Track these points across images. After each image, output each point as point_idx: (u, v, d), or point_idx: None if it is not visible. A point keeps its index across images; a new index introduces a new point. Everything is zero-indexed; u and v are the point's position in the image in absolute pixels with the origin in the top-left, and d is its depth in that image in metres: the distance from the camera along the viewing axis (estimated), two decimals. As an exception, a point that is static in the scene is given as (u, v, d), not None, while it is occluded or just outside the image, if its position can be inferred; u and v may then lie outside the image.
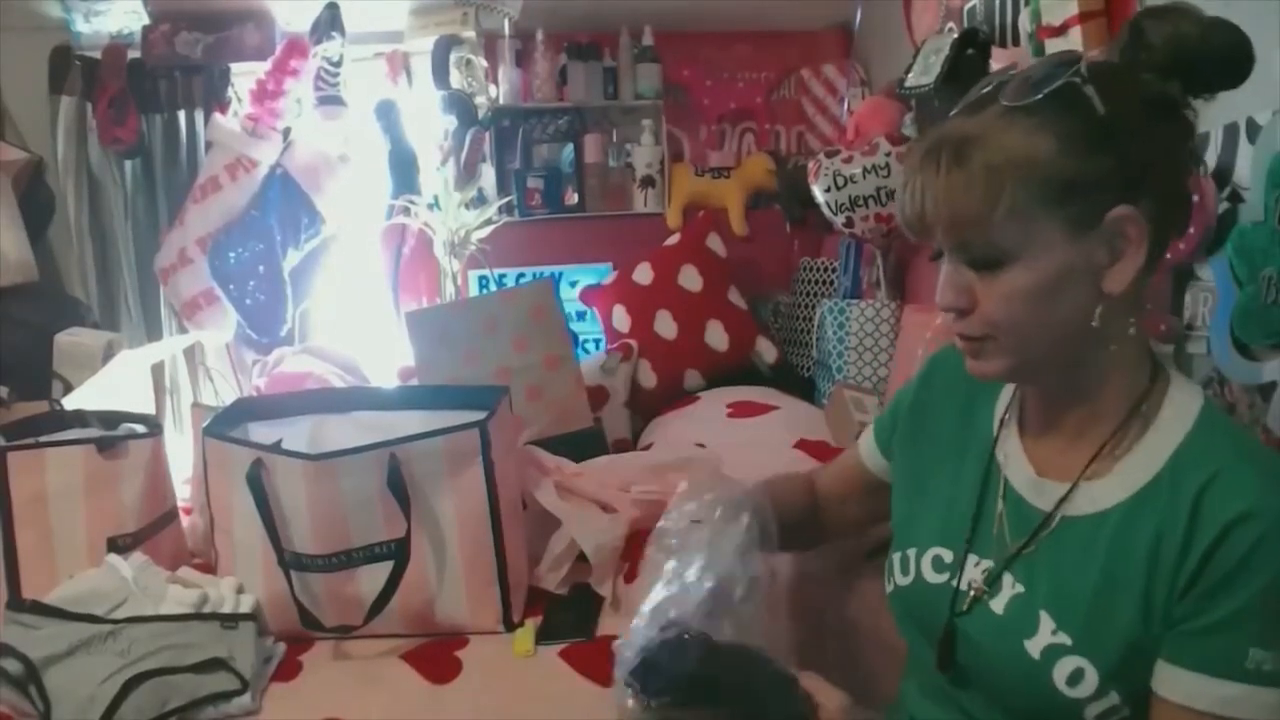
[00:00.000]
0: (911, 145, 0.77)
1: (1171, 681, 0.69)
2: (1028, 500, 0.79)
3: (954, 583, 0.80)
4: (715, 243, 2.39)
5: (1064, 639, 0.72)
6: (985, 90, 0.74)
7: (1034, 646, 0.73)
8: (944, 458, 0.88)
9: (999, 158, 0.69)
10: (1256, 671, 0.66)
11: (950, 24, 1.89)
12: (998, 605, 0.77)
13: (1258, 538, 0.66)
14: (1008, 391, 0.87)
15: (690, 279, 2.31)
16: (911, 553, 0.86)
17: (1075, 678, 0.71)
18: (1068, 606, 0.73)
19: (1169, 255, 1.21)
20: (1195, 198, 1.17)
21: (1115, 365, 0.75)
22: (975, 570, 0.80)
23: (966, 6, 1.81)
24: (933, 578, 0.83)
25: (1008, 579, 0.77)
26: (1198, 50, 0.71)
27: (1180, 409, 0.74)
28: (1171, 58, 0.71)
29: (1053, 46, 1.42)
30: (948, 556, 0.83)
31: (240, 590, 1.23)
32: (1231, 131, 1.14)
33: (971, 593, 0.79)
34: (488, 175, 2.51)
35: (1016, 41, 1.61)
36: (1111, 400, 0.76)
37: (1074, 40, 1.37)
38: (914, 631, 0.87)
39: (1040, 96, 0.70)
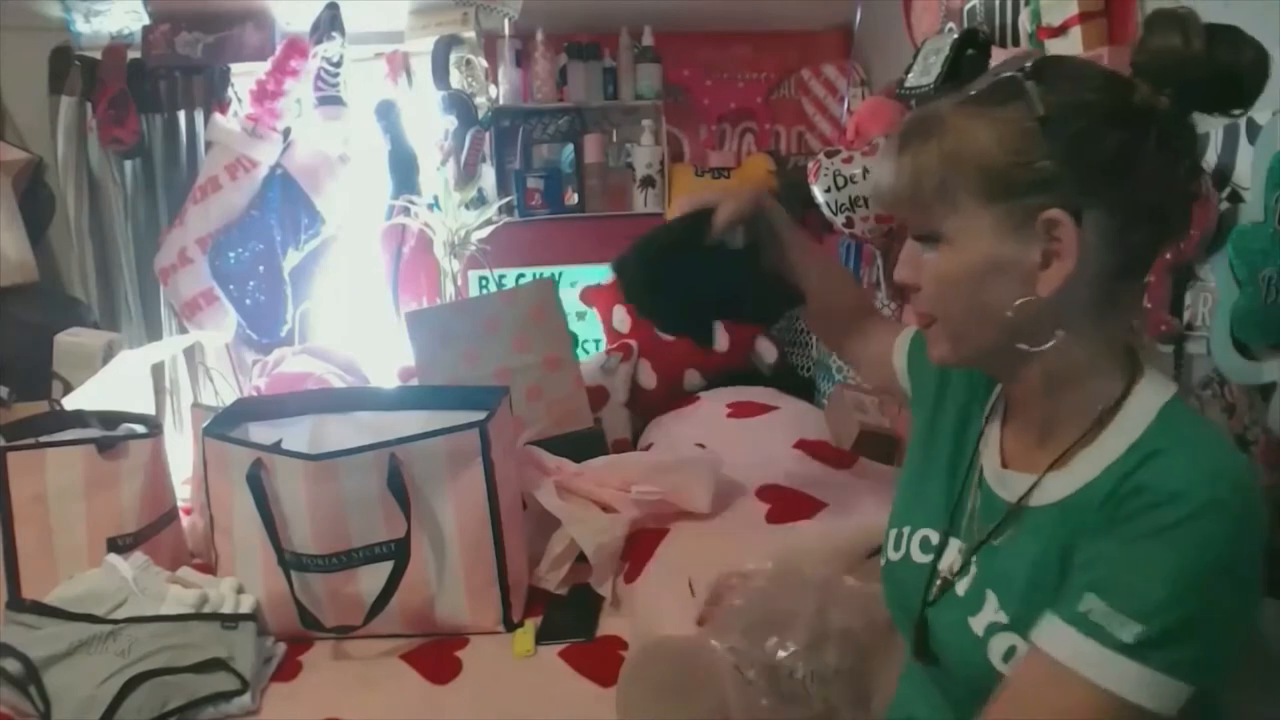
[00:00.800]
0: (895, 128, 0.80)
1: (1045, 625, 0.68)
2: (994, 491, 0.80)
3: (936, 564, 0.82)
4: (715, 243, 2.39)
5: (1002, 617, 0.73)
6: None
7: (978, 624, 0.74)
8: (945, 442, 0.89)
9: (945, 144, 0.72)
10: (1083, 618, 0.64)
11: (950, 24, 1.89)
12: (960, 588, 0.78)
13: (1175, 519, 0.63)
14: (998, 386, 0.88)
15: (690, 279, 2.31)
16: (906, 530, 0.87)
17: (1009, 654, 0.71)
18: (1008, 586, 0.74)
19: (1168, 256, 1.22)
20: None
21: (1070, 373, 0.75)
22: (954, 554, 0.81)
23: (966, 6, 1.81)
24: (919, 558, 0.84)
25: (972, 564, 0.78)
26: (1189, 66, 0.69)
27: (1143, 405, 0.73)
28: (1159, 70, 0.70)
29: (1053, 46, 1.42)
30: (934, 538, 0.84)
31: (240, 590, 1.23)
32: (1231, 131, 1.14)
33: (940, 580, 0.80)
34: (488, 175, 2.51)
35: (1017, 42, 1.61)
36: (1073, 407, 0.75)
37: (1074, 40, 1.37)
38: (896, 612, 0.89)
39: (986, 88, 0.73)
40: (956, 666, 0.78)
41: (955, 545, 0.82)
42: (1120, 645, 0.63)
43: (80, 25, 2.29)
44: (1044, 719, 0.65)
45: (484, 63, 2.40)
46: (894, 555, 0.88)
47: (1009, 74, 0.72)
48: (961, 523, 0.82)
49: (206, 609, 1.17)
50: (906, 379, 1.02)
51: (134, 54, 2.33)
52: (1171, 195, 0.73)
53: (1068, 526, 0.71)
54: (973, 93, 0.74)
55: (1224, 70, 0.69)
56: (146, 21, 2.32)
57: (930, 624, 0.80)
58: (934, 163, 0.73)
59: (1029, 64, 0.72)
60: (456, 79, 2.35)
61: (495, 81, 2.45)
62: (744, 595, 1.04)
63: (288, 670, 1.18)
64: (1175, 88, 0.69)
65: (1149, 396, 0.74)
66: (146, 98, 2.35)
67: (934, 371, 0.94)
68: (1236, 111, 0.72)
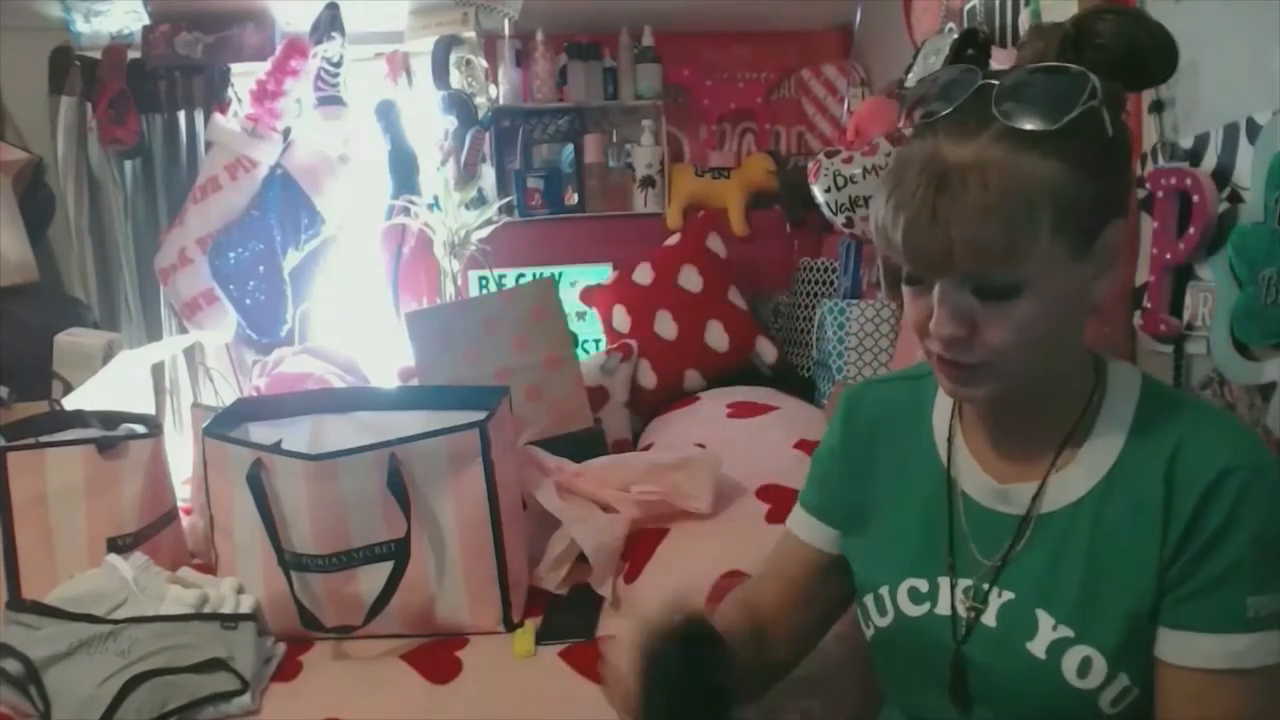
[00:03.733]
0: (900, 166, 0.70)
1: (1177, 646, 0.70)
2: (994, 509, 0.78)
3: (937, 610, 0.79)
4: (715, 243, 2.39)
5: (1066, 632, 0.72)
6: (972, 101, 0.69)
7: (1037, 647, 0.73)
8: (887, 490, 0.86)
9: (1019, 184, 0.65)
10: (1257, 619, 0.67)
11: (950, 24, 1.89)
12: (989, 619, 0.76)
13: (1239, 491, 0.68)
14: (942, 411, 0.85)
15: (690, 279, 2.31)
16: (884, 591, 0.83)
17: (1084, 668, 0.71)
18: (1062, 600, 0.73)
19: (1168, 256, 1.22)
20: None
21: (1062, 369, 0.76)
22: (956, 592, 0.79)
23: (966, 6, 1.81)
24: (913, 610, 0.81)
25: (994, 591, 0.76)
26: (1146, 48, 0.71)
27: (1123, 386, 0.76)
28: (1125, 57, 0.70)
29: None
30: (923, 586, 0.81)
31: (240, 590, 1.23)
32: (1231, 131, 1.14)
33: (965, 616, 0.78)
34: (488, 175, 2.51)
35: (1016, 42, 1.61)
36: (1061, 402, 0.77)
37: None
38: (905, 668, 0.84)
39: (1060, 120, 0.66)
40: (1018, 697, 0.75)
41: (951, 583, 0.79)
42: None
43: (80, 25, 2.29)
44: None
45: (484, 63, 2.40)
46: (882, 621, 0.83)
47: (1087, 107, 0.66)
48: (957, 557, 0.80)
49: (206, 609, 1.17)
50: (827, 528, 0.91)
51: (134, 54, 2.33)
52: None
53: (1112, 535, 0.72)
54: (1028, 129, 0.66)
55: (1166, 44, 0.71)
56: (146, 21, 2.32)
57: (971, 665, 0.77)
58: (1023, 204, 0.65)
59: (1098, 87, 0.67)
60: (456, 79, 2.35)
61: (495, 81, 2.45)
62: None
63: (288, 670, 1.18)
64: (1129, 72, 0.71)
65: (1124, 378, 0.77)
66: (146, 98, 2.35)
67: (834, 467, 0.90)
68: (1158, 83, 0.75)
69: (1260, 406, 1.10)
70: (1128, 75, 0.71)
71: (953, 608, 0.78)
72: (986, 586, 0.77)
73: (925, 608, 0.80)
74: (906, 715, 0.87)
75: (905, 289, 0.74)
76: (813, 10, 2.56)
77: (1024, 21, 1.53)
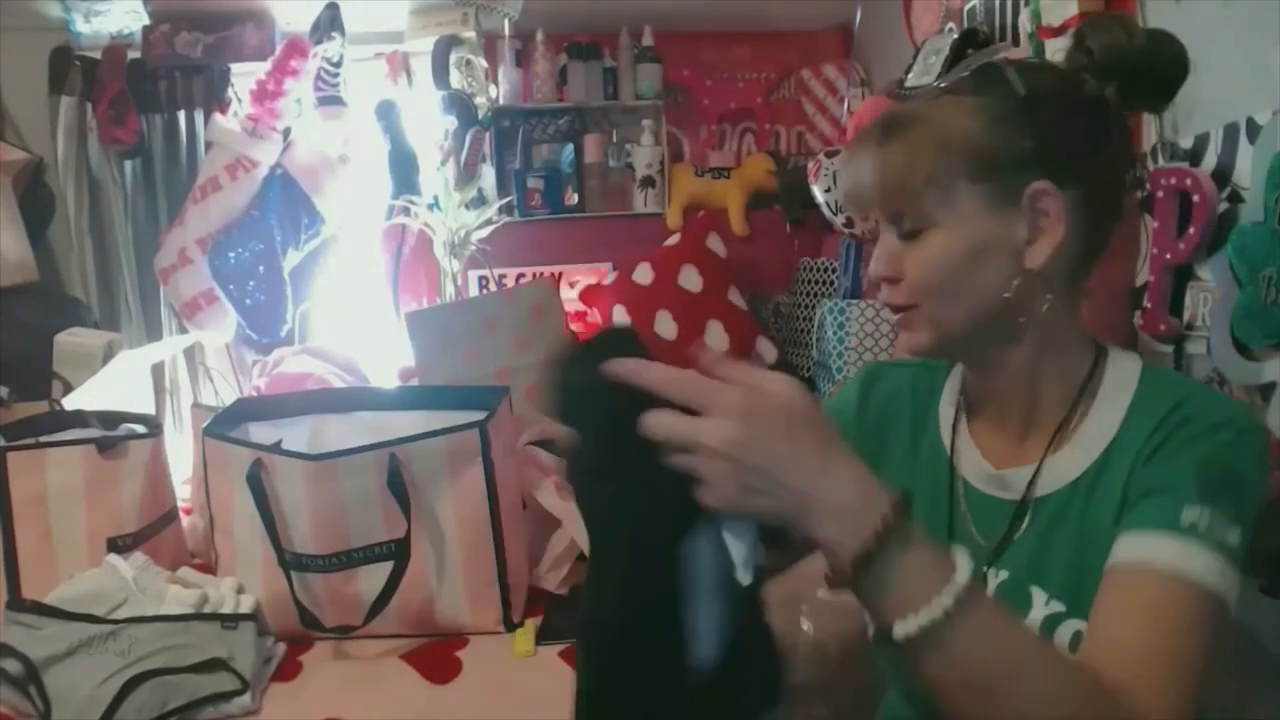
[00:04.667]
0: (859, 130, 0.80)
1: (1119, 547, 0.69)
2: (991, 495, 0.80)
3: None
4: (715, 243, 2.39)
5: (1058, 606, 0.73)
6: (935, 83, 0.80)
7: (1031, 623, 0.74)
8: (895, 474, 0.87)
9: (929, 133, 0.74)
10: (1193, 529, 0.67)
11: (950, 24, 1.89)
12: None
13: (1212, 428, 0.70)
14: (949, 398, 0.87)
15: (690, 279, 2.31)
16: None
17: (1075, 642, 0.71)
18: (1054, 576, 0.74)
19: (1168, 256, 1.22)
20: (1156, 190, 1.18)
21: (1050, 349, 0.78)
22: None
23: (966, 6, 1.81)
24: None
25: (990, 574, 0.78)
26: (1132, 57, 0.77)
27: (1122, 373, 0.77)
28: (1107, 62, 0.76)
29: (1053, 47, 1.42)
30: None
31: (240, 590, 1.22)
32: (1231, 131, 1.14)
33: None
34: (488, 175, 2.51)
35: (1017, 42, 1.61)
36: (1054, 384, 0.78)
37: (1074, 40, 1.37)
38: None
39: (966, 75, 0.77)
40: None
41: None
42: (1225, 548, 0.67)
43: (80, 25, 2.29)
44: (1167, 628, 0.65)
45: (484, 63, 2.40)
46: None
47: (984, 63, 0.77)
48: (958, 541, 0.81)
49: (207, 609, 1.17)
50: None
51: (134, 54, 2.33)
52: (1120, 180, 0.79)
53: (1091, 500, 0.73)
54: (945, 84, 0.78)
55: (1161, 63, 0.79)
56: (146, 21, 2.32)
57: None
58: (922, 151, 0.74)
59: (1005, 54, 0.75)
60: (456, 79, 2.35)
61: (495, 81, 2.45)
62: None
63: (288, 670, 1.18)
64: (1119, 80, 0.77)
65: (1124, 364, 0.78)
66: (146, 98, 2.35)
67: (851, 437, 0.89)
68: (1162, 105, 0.82)
69: (1260, 406, 1.10)
70: (1117, 80, 0.77)
71: None
72: (985, 569, 0.78)
73: None
74: (907, 699, 0.87)
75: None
76: (813, 10, 2.56)
77: (1024, 21, 1.53)
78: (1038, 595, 0.74)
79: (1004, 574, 0.77)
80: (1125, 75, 0.77)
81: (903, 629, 0.57)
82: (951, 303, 0.75)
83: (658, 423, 0.58)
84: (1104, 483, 0.73)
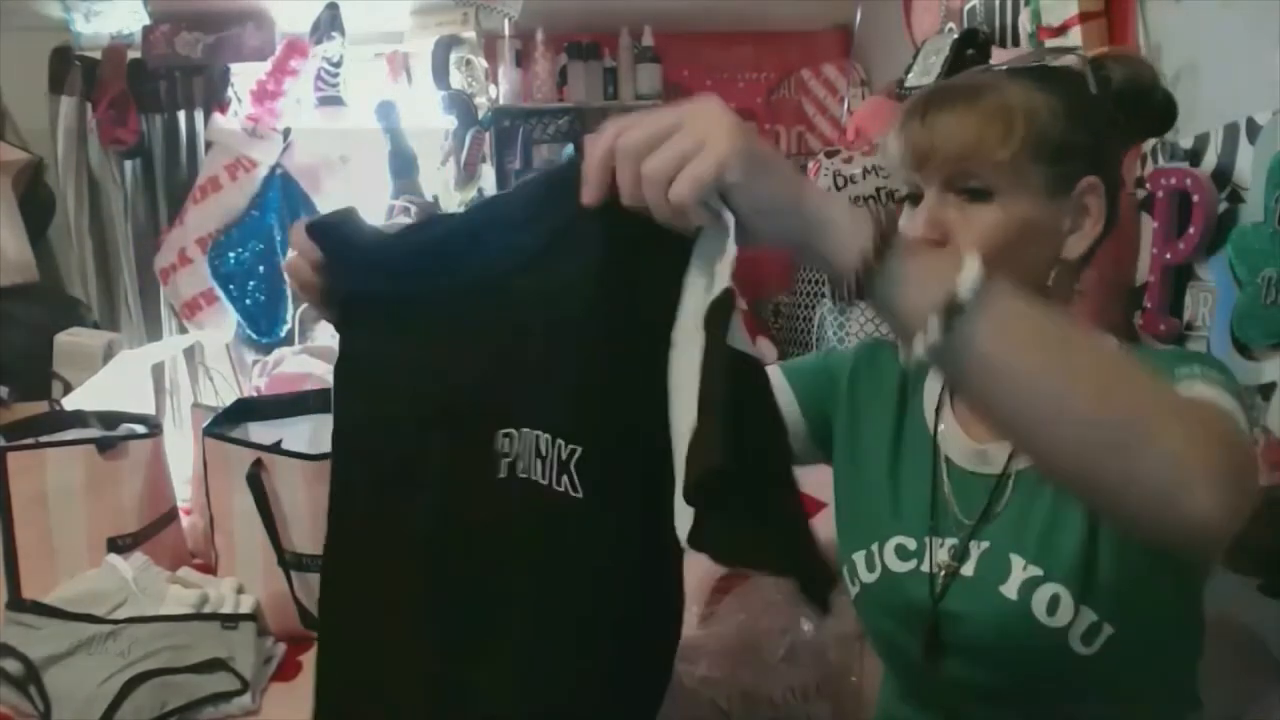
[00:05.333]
0: (913, 97, 0.82)
1: None
2: (972, 470, 0.81)
3: (922, 567, 0.81)
4: (715, 243, 2.39)
5: (1035, 571, 0.74)
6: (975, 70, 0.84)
7: (1010, 588, 0.74)
8: (880, 448, 0.88)
9: (1011, 101, 0.76)
10: (1188, 376, 0.71)
11: (950, 24, 1.89)
12: (968, 569, 0.78)
13: (1198, 360, 0.75)
14: (934, 381, 0.88)
15: (690, 279, 2.31)
16: (874, 547, 0.84)
17: (1053, 605, 0.72)
18: (1030, 541, 0.75)
19: (1168, 256, 1.22)
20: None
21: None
22: (941, 551, 0.80)
23: (966, 6, 1.81)
24: (898, 566, 0.82)
25: (973, 546, 0.78)
26: (1147, 92, 0.83)
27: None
28: (1126, 92, 0.82)
29: (1053, 45, 1.42)
30: (910, 544, 0.82)
31: (240, 590, 1.22)
32: (1231, 131, 1.14)
33: (942, 574, 0.79)
34: (488, 175, 2.51)
35: (1017, 41, 1.61)
36: None
37: (1074, 40, 1.37)
38: (889, 625, 0.85)
39: (1044, 65, 0.81)
40: (992, 644, 0.76)
41: (939, 543, 0.80)
42: (1224, 385, 0.71)
43: (80, 25, 2.29)
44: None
45: (484, 63, 2.40)
46: (869, 576, 0.84)
47: (1063, 63, 0.81)
48: (941, 518, 0.81)
49: (206, 609, 1.17)
50: (798, 411, 0.92)
51: (134, 54, 2.33)
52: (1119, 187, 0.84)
53: None
54: (1017, 67, 0.80)
55: (1164, 99, 0.85)
56: (147, 21, 2.32)
57: (948, 616, 0.78)
58: (1014, 120, 0.75)
59: (1078, 53, 0.82)
60: (456, 79, 2.35)
61: (495, 81, 2.45)
62: (706, 619, 1.02)
63: (288, 670, 1.18)
64: (1131, 109, 0.82)
65: (1112, 343, 0.82)
66: (147, 98, 2.35)
67: (841, 401, 0.91)
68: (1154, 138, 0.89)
69: (1260, 406, 1.10)
70: (1129, 110, 0.82)
71: (932, 564, 0.80)
72: (967, 542, 0.79)
73: (911, 564, 0.82)
74: (895, 674, 0.88)
75: (906, 214, 0.81)
76: (813, 10, 2.57)
77: (1024, 21, 1.53)
78: (1016, 560, 0.75)
79: (985, 544, 0.78)
80: (1137, 107, 0.83)
81: (931, 313, 0.54)
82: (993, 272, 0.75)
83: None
84: None
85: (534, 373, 0.62)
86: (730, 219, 0.54)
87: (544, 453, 0.61)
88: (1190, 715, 0.82)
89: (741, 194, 0.53)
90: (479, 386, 0.64)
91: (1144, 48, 1.29)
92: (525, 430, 0.62)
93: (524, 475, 0.62)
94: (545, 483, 0.61)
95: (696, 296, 0.56)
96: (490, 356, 0.64)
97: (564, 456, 0.60)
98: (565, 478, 0.60)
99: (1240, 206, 1.13)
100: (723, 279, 0.54)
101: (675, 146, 0.53)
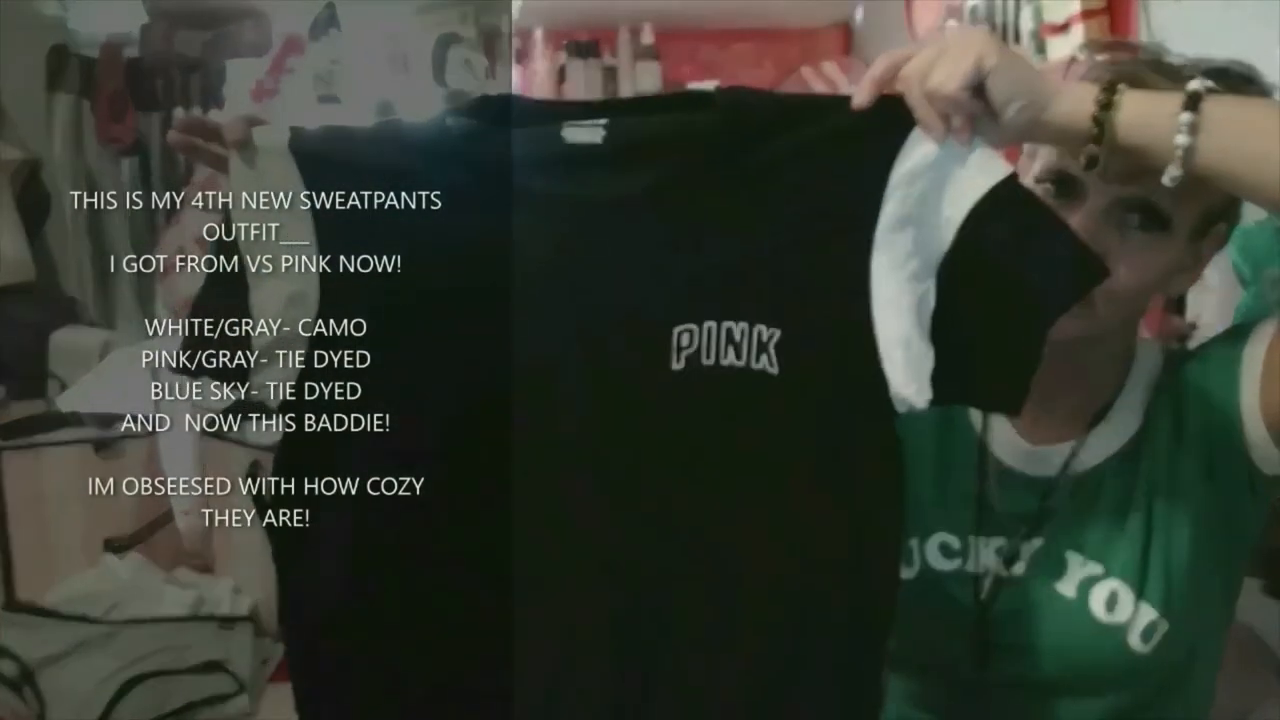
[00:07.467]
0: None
1: (1248, 356, 0.74)
2: (1024, 472, 0.80)
3: (968, 567, 0.79)
4: (715, 242, 2.39)
5: (1095, 568, 0.74)
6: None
7: (1067, 585, 0.75)
8: (924, 444, 0.84)
9: None
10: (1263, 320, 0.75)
11: (951, 22, 1.88)
12: (1019, 569, 0.78)
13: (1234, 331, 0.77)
14: None
15: (690, 278, 2.31)
16: (914, 543, 0.82)
17: (1112, 601, 0.73)
18: (1089, 538, 0.75)
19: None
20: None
21: (1122, 344, 0.79)
22: (988, 550, 0.79)
23: (968, 4, 1.80)
24: (942, 565, 0.81)
25: (1025, 547, 0.78)
26: None
27: (1149, 353, 0.80)
28: None
29: (1055, 44, 1.42)
30: (955, 543, 0.81)
31: (237, 591, 1.22)
32: (1234, 130, 1.14)
33: (991, 576, 0.78)
34: (487, 174, 2.50)
35: (1018, 40, 1.61)
36: (1107, 370, 0.80)
37: (1076, 38, 1.37)
38: (924, 625, 0.79)
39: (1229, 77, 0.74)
40: (1046, 644, 0.75)
41: (984, 543, 0.79)
42: None
43: (77, 23, 2.28)
44: None
45: (484, 61, 2.39)
46: (907, 572, 0.79)
47: (1259, 82, 0.76)
48: (987, 518, 0.80)
49: (203, 610, 1.16)
50: None
51: (131, 52, 2.33)
52: None
53: (1135, 473, 0.76)
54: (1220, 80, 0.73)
55: None
56: (144, 19, 2.31)
57: (998, 617, 0.77)
58: None
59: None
60: (455, 77, 2.34)
61: (494, 79, 2.45)
62: None
63: (286, 671, 1.17)
64: None
65: (1150, 348, 0.82)
66: (144, 96, 2.35)
67: None
68: None
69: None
70: None
71: (979, 565, 0.79)
72: (1019, 543, 0.78)
73: (956, 564, 0.80)
74: (915, 676, 0.83)
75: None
76: (813, 8, 2.56)
77: (1025, 20, 1.53)
78: (1073, 558, 0.75)
79: (1038, 542, 0.77)
80: None
81: (1183, 113, 0.60)
82: (1122, 312, 0.74)
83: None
84: (1146, 451, 0.76)
85: (712, 274, 0.64)
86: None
87: (737, 339, 0.64)
88: (1207, 713, 0.82)
89: (998, 77, 0.60)
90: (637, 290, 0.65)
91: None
92: (709, 323, 0.64)
93: (709, 363, 0.64)
94: (742, 364, 0.64)
95: (946, 193, 0.62)
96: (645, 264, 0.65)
97: (764, 339, 0.64)
98: (764, 356, 0.64)
99: (1244, 206, 1.13)
100: (994, 171, 0.62)
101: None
